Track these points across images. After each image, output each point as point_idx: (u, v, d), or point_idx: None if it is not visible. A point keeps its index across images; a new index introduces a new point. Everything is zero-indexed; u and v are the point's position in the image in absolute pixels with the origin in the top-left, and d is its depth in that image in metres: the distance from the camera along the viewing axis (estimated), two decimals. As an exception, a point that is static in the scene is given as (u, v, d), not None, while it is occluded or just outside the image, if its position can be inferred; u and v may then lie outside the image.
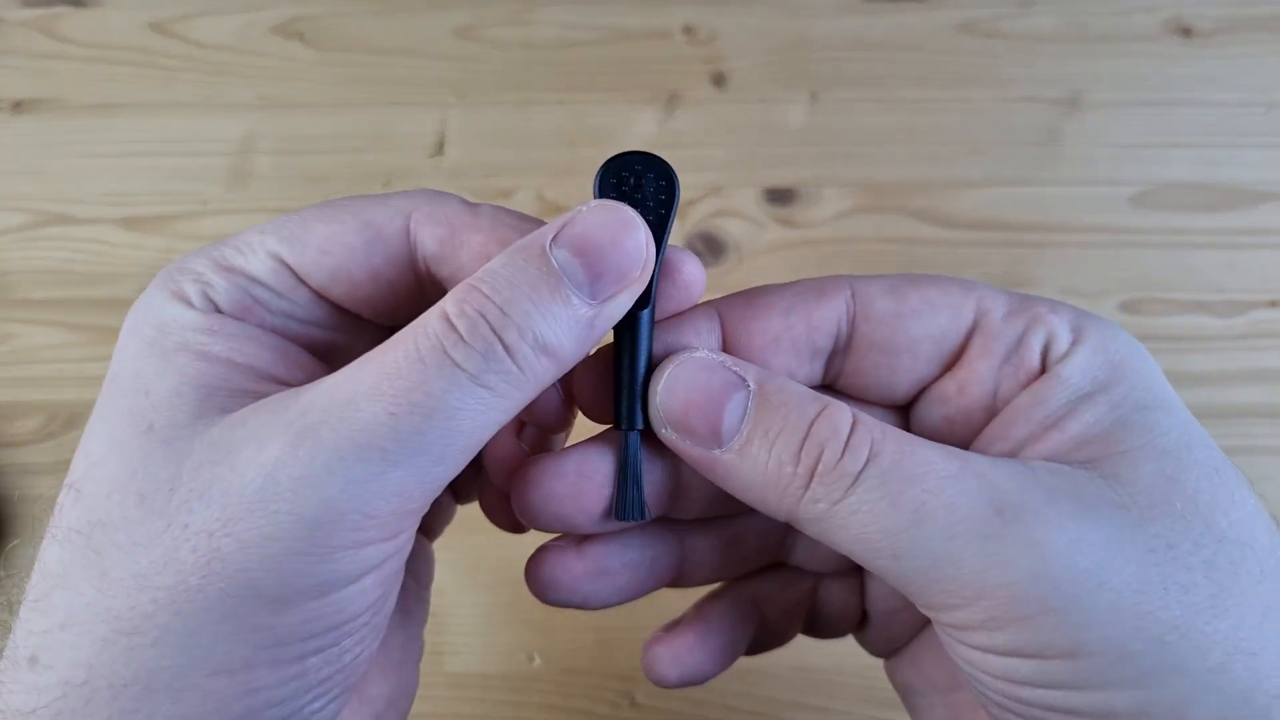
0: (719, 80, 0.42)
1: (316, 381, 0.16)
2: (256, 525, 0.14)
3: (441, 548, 0.35)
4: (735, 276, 0.39)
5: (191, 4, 0.43)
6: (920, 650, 0.22)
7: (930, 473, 0.15)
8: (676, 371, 0.17)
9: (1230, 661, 0.14)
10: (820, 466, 0.16)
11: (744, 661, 0.33)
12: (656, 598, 0.34)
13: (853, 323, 0.18)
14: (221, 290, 0.17)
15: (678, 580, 0.21)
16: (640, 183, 0.18)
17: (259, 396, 0.16)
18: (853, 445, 0.16)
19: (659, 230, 0.17)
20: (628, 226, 0.16)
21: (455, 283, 0.18)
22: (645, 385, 0.18)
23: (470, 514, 0.35)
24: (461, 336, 0.15)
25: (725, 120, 0.41)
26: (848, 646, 0.33)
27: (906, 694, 0.22)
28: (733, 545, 0.21)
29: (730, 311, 0.18)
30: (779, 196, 0.40)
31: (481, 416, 0.15)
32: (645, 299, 0.17)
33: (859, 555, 0.16)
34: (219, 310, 0.17)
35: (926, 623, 0.22)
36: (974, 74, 0.42)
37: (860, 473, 0.15)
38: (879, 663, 0.33)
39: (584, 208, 0.16)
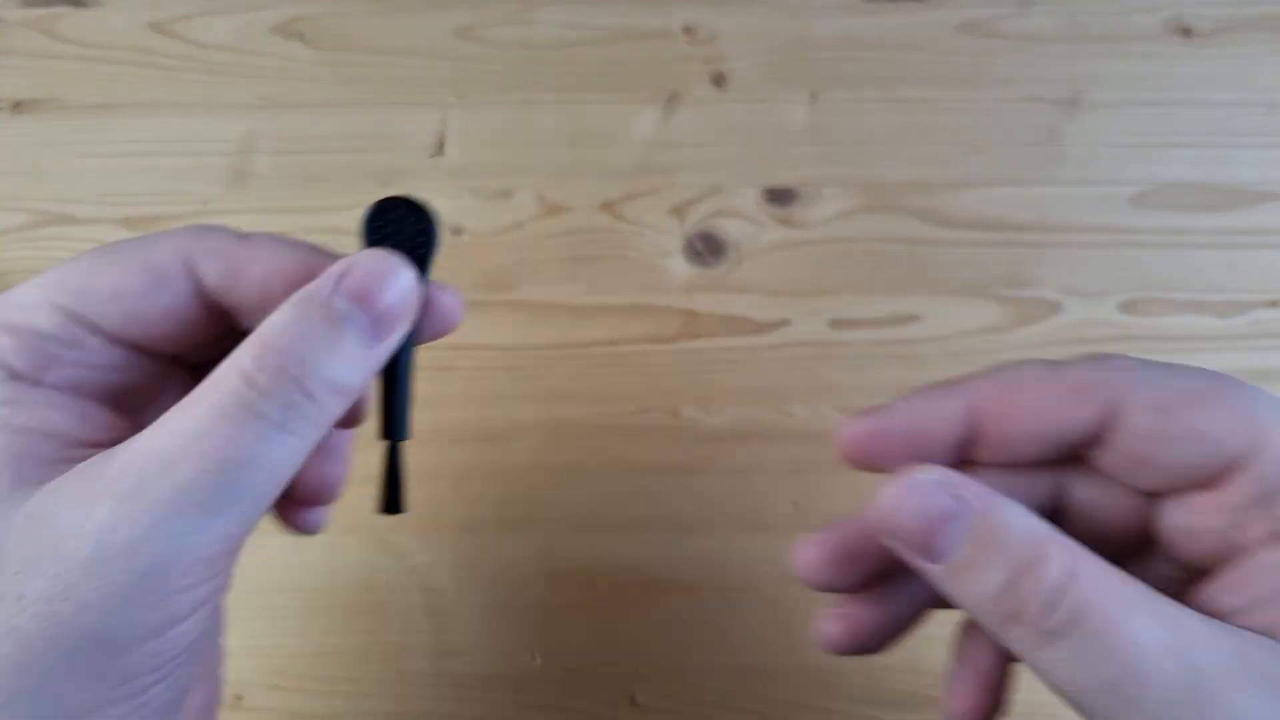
0: (719, 80, 0.42)
1: (128, 442, 0.17)
2: (93, 587, 0.16)
3: (441, 548, 0.35)
4: (735, 276, 0.39)
5: (191, 4, 0.43)
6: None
7: (1134, 646, 0.15)
8: (900, 494, 0.17)
9: None
10: (1022, 616, 0.16)
11: (745, 661, 0.33)
12: (656, 599, 0.34)
13: (1106, 428, 0.18)
14: (11, 352, 0.18)
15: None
16: (401, 226, 0.20)
17: (70, 463, 0.17)
18: (1059, 604, 0.16)
19: (422, 268, 0.20)
20: (397, 272, 0.18)
21: (242, 313, 0.19)
22: (402, 401, 0.20)
23: (472, 515, 0.35)
24: (262, 391, 0.17)
25: (725, 120, 0.41)
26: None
27: None
28: None
29: (985, 401, 0.18)
30: (779, 196, 0.40)
31: (288, 458, 0.17)
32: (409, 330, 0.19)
33: (1054, 690, 0.16)
34: (15, 373, 0.18)
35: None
36: (974, 74, 0.42)
37: (1057, 633, 0.16)
38: (881, 663, 0.33)
39: (356, 258, 0.18)
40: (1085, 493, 0.20)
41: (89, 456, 0.17)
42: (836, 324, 0.38)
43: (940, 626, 0.35)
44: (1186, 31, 0.43)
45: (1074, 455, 0.19)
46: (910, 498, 0.17)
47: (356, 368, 0.18)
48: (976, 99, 0.41)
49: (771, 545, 0.35)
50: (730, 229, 0.39)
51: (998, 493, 0.17)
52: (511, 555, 0.35)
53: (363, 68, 0.42)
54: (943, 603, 0.21)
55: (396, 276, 0.18)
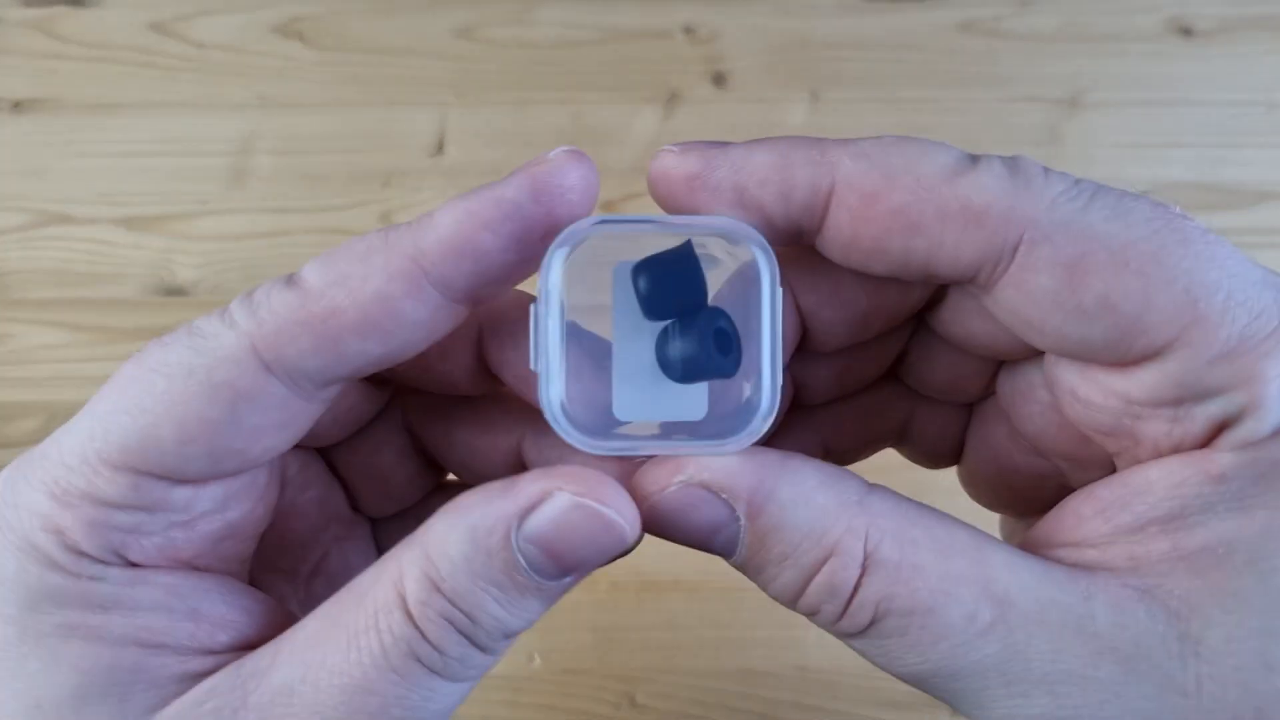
0: (719, 80, 0.42)
1: (268, 666, 0.14)
2: None
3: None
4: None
5: (191, 4, 0.43)
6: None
7: (944, 637, 0.13)
8: (665, 498, 0.14)
9: None
10: (821, 614, 0.14)
11: (746, 661, 0.33)
12: (656, 599, 0.34)
13: (989, 272, 0.14)
14: (79, 533, 0.14)
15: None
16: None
17: (190, 679, 0.14)
18: (854, 606, 0.14)
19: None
20: (609, 531, 0.13)
21: (388, 370, 0.15)
22: None
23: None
24: (434, 645, 0.14)
25: (726, 120, 0.41)
26: (848, 646, 0.33)
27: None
28: (846, 371, 0.18)
29: (845, 192, 0.14)
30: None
31: (456, 702, 0.15)
32: None
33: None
34: (91, 558, 0.14)
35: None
36: (975, 74, 0.42)
37: (859, 633, 0.14)
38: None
39: (558, 492, 0.13)
40: (926, 350, 0.17)
41: (213, 666, 0.14)
42: (837, 324, 0.38)
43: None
44: (1187, 31, 0.43)
45: (928, 284, 0.15)
46: (678, 511, 0.14)
47: (532, 615, 0.14)
48: (977, 99, 0.41)
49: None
50: (730, 229, 0.39)
51: (777, 469, 0.14)
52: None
53: (362, 67, 0.42)
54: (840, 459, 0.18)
55: (607, 535, 0.14)
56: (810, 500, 0.14)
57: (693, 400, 0.15)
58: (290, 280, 0.14)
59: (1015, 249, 0.13)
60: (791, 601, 0.14)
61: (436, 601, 0.13)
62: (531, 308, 0.14)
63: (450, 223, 0.14)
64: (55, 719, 0.13)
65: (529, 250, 0.14)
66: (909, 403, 0.19)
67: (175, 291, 0.38)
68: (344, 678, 0.13)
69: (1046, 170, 0.14)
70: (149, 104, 0.41)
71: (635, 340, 0.15)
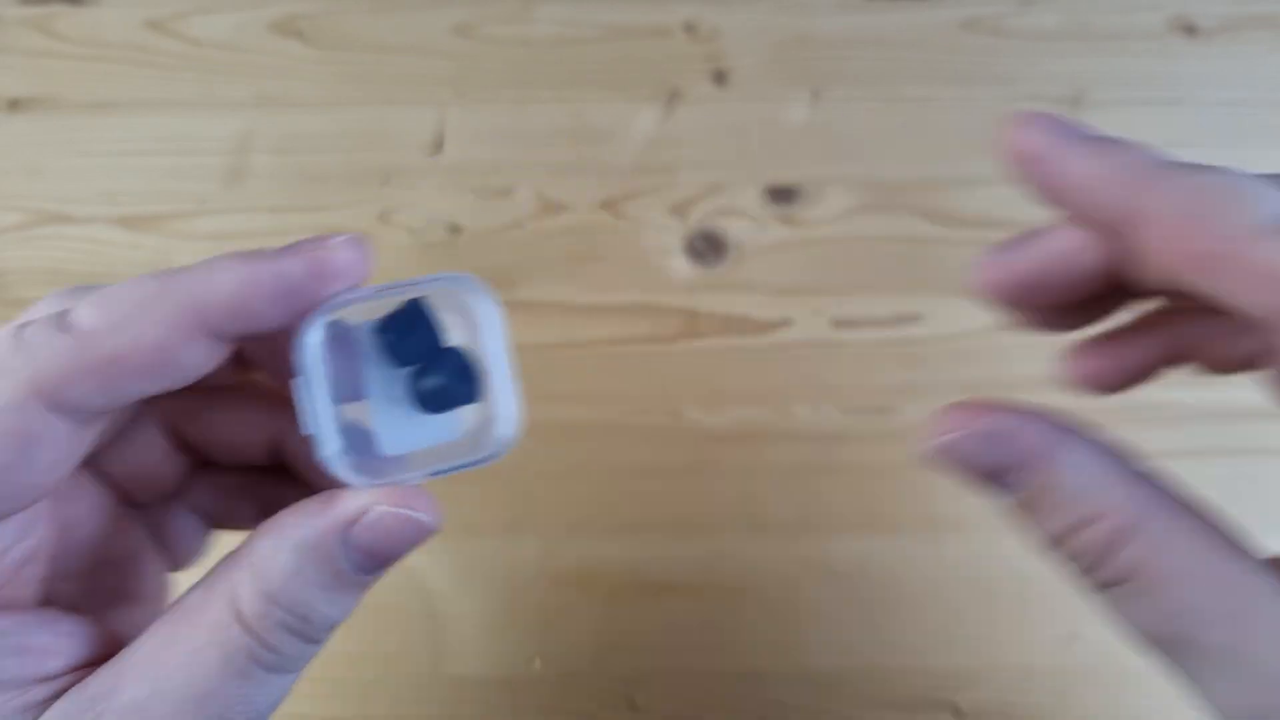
0: (720, 78, 0.42)
1: (109, 685, 0.15)
2: None
3: (441, 550, 0.35)
4: (737, 275, 0.38)
5: (188, 2, 0.43)
6: None
7: (1185, 609, 0.15)
8: (954, 437, 0.16)
9: None
10: (1077, 564, 0.16)
11: (746, 664, 0.33)
12: (655, 602, 0.34)
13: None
14: None
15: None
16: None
17: (30, 707, 0.15)
18: (1108, 561, 0.15)
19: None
20: (419, 529, 0.16)
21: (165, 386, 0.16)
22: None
23: (471, 517, 0.35)
24: (274, 648, 0.15)
25: (726, 118, 0.41)
26: (850, 648, 0.33)
27: None
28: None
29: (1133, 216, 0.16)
30: (781, 195, 0.40)
31: (288, 689, 0.16)
32: None
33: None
34: None
35: None
36: (977, 72, 0.42)
37: (1113, 586, 0.16)
38: (881, 663, 0.33)
39: (373, 512, 0.16)
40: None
41: (53, 692, 0.15)
42: (839, 323, 0.38)
43: (946, 629, 0.35)
44: (1190, 30, 0.43)
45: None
46: (966, 445, 0.16)
47: (354, 604, 0.17)
48: (979, 97, 0.41)
49: (772, 546, 0.34)
50: (731, 228, 0.39)
51: (1062, 435, 0.16)
52: (511, 557, 0.35)
53: (361, 65, 0.42)
54: (1182, 356, 0.20)
55: (415, 529, 0.16)
56: (1087, 465, 0.16)
57: (449, 424, 0.18)
58: (63, 322, 0.15)
59: None
60: (1053, 543, 0.16)
61: (272, 611, 0.15)
62: (293, 383, 0.16)
63: (231, 284, 0.15)
64: None
65: (298, 316, 0.16)
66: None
67: (172, 291, 0.38)
68: (190, 689, 0.15)
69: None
70: (146, 102, 0.41)
71: (390, 385, 0.18)
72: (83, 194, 0.40)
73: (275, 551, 0.15)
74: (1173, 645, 0.15)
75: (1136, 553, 0.15)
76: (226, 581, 0.15)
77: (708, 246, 0.39)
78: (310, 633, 0.16)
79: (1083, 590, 0.16)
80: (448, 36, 0.42)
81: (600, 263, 0.39)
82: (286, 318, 0.16)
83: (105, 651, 0.16)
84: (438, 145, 0.41)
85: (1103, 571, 0.15)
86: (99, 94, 0.41)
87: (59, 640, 0.16)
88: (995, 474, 0.16)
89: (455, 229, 0.39)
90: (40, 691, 0.15)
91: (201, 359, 0.16)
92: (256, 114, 0.41)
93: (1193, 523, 0.15)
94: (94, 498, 0.19)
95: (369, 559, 0.16)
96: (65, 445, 0.15)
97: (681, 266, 0.39)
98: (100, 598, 0.19)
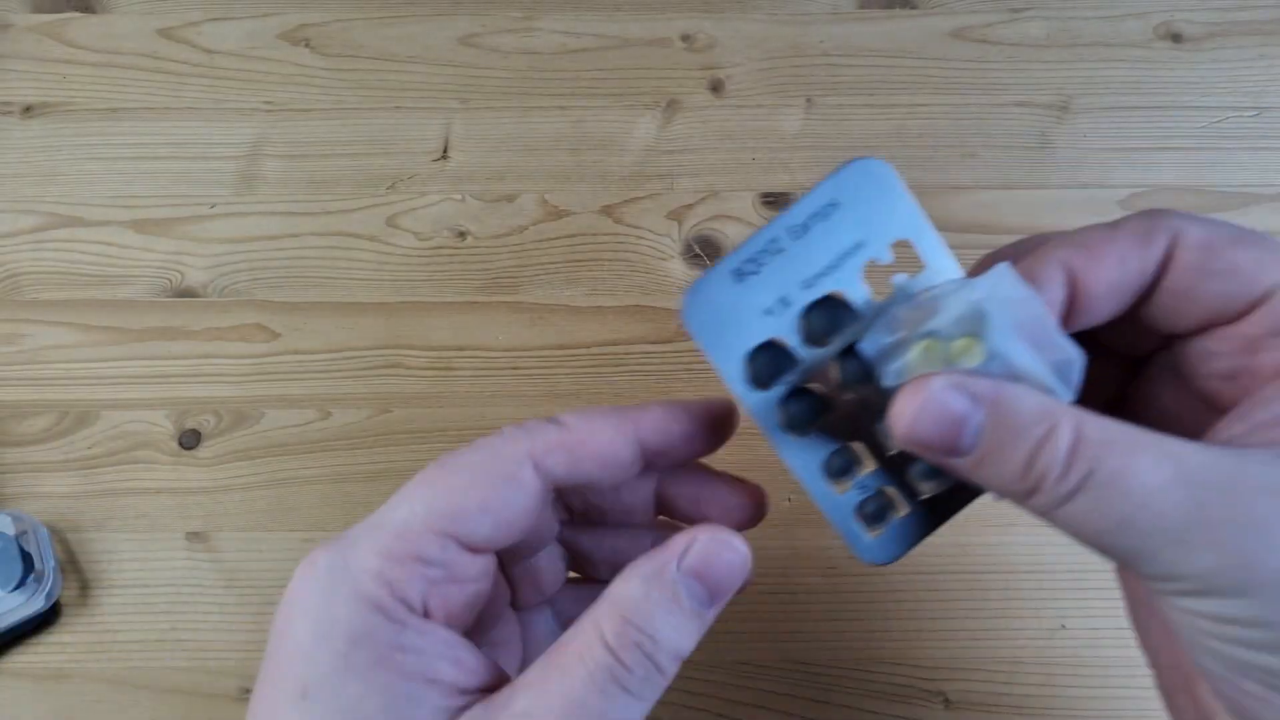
0: (716, 87, 0.43)
1: (504, 699, 0.18)
2: None
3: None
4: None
5: (200, 10, 0.43)
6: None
7: (1140, 486, 0.17)
8: (919, 409, 0.18)
9: None
10: (1043, 484, 0.17)
11: (742, 655, 0.34)
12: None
13: (1166, 265, 0.20)
14: (406, 584, 0.19)
15: None
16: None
17: (448, 711, 0.18)
18: (1071, 468, 0.17)
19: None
20: (735, 553, 0.20)
21: (580, 491, 0.23)
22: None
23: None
24: (628, 667, 0.18)
25: (722, 126, 0.42)
26: (845, 640, 0.34)
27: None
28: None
29: (1075, 262, 0.20)
30: (775, 200, 0.41)
31: (638, 716, 0.19)
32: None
33: (1082, 541, 0.18)
34: (410, 607, 0.19)
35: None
36: (966, 80, 0.42)
37: (1074, 491, 0.17)
38: (876, 655, 0.34)
39: (697, 537, 0.19)
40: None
41: (464, 704, 0.18)
42: (832, 325, 0.38)
43: (936, 621, 0.35)
44: (1176, 37, 0.43)
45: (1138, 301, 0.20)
46: (927, 407, 0.18)
47: (693, 635, 0.19)
48: (968, 105, 0.42)
49: (769, 540, 0.35)
50: (728, 232, 0.40)
51: (1002, 379, 0.18)
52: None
53: (368, 74, 0.42)
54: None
55: (735, 557, 0.20)
56: (1031, 394, 0.18)
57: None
58: (557, 420, 0.21)
59: (1172, 246, 0.19)
60: (1019, 476, 0.18)
61: (627, 630, 0.18)
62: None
63: (658, 414, 0.21)
64: None
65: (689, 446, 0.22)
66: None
67: (185, 293, 0.39)
68: (562, 699, 0.18)
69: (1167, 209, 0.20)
70: (158, 108, 0.42)
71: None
72: (96, 198, 0.40)
73: (629, 584, 0.19)
74: (1129, 532, 0.17)
75: (1090, 451, 0.17)
76: (592, 617, 0.19)
77: (705, 250, 0.40)
78: (657, 655, 0.19)
79: (1044, 518, 0.18)
80: (453, 46, 0.43)
81: (600, 266, 0.39)
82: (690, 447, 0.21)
83: (497, 681, 0.19)
84: (443, 151, 0.41)
85: (1067, 480, 0.17)
86: (112, 100, 0.42)
87: (477, 664, 0.20)
88: (962, 418, 0.18)
89: (461, 233, 0.40)
90: (458, 700, 0.19)
91: (630, 461, 0.21)
92: (266, 120, 0.42)
93: (1110, 419, 0.18)
94: (497, 586, 0.23)
95: (699, 583, 0.19)
96: (533, 500, 0.20)
97: (679, 270, 0.39)
98: (478, 633, 0.22)
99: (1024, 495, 0.18)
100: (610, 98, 0.42)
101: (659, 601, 0.19)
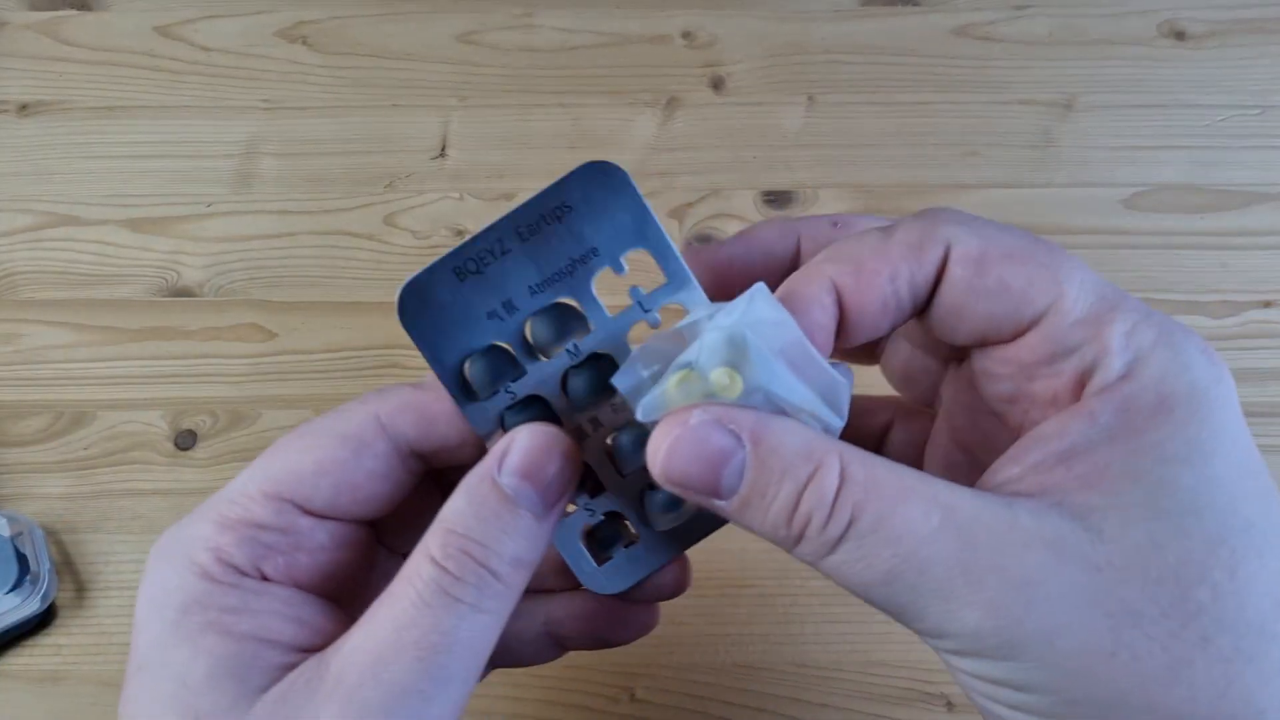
0: (717, 84, 0.42)
1: (340, 641, 0.18)
2: None
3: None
4: (734, 277, 0.39)
5: (196, 8, 0.43)
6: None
7: (907, 534, 0.16)
8: (673, 444, 0.17)
9: None
10: (809, 530, 0.17)
11: (744, 657, 0.34)
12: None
13: (938, 280, 0.19)
14: (234, 550, 0.19)
15: None
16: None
17: (287, 668, 0.18)
18: (836, 512, 0.16)
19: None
20: (553, 442, 0.19)
21: (442, 456, 0.20)
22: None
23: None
24: (455, 575, 0.18)
25: (723, 123, 0.42)
26: (847, 642, 0.34)
27: None
28: None
29: (843, 280, 0.18)
30: (776, 198, 0.40)
31: (487, 634, 0.18)
32: None
33: (849, 589, 0.17)
34: (239, 570, 0.19)
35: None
36: (969, 77, 0.42)
37: (840, 539, 0.16)
38: (878, 658, 0.34)
39: (514, 435, 0.19)
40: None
41: (306, 660, 0.18)
42: (834, 324, 0.38)
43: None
44: (1180, 35, 0.43)
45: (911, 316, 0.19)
46: (683, 444, 0.17)
47: (531, 540, 0.18)
48: (971, 102, 0.42)
49: (769, 542, 0.35)
50: (729, 231, 0.40)
51: (764, 413, 0.17)
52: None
53: (366, 71, 0.42)
54: None
55: (558, 448, 0.19)
56: (796, 430, 0.17)
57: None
58: (417, 383, 0.21)
59: (945, 260, 0.18)
60: (786, 520, 0.17)
61: (451, 540, 0.18)
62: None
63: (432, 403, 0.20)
64: (193, 693, 0.17)
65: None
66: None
67: (181, 293, 0.39)
68: (391, 622, 0.17)
69: (947, 208, 0.19)
70: (155, 107, 0.42)
71: None
72: (92, 197, 0.40)
73: (454, 499, 0.18)
74: (899, 581, 0.16)
75: (855, 496, 0.16)
76: (423, 541, 0.18)
77: (706, 249, 0.40)
78: (490, 561, 0.18)
79: (815, 567, 0.17)
80: (452, 43, 0.43)
81: (600, 265, 0.39)
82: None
83: None
84: (441, 149, 0.41)
85: (832, 526, 0.16)
86: (108, 98, 0.42)
87: (328, 624, 0.19)
88: (723, 456, 0.17)
89: (459, 232, 0.40)
90: (299, 659, 0.18)
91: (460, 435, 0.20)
92: (263, 118, 0.41)
93: (877, 459, 0.17)
94: (378, 560, 0.22)
95: (526, 484, 0.18)
96: (384, 464, 0.20)
97: (680, 268, 0.39)
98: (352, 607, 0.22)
99: (790, 542, 0.17)
100: (610, 95, 0.42)
101: (484, 505, 0.18)
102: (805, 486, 0.16)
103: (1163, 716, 0.15)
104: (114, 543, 0.35)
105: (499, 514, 0.18)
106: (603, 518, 0.20)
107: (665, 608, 0.35)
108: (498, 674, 0.35)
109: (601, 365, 0.20)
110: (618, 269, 0.19)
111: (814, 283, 0.18)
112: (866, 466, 0.17)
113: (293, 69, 0.42)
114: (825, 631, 0.34)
